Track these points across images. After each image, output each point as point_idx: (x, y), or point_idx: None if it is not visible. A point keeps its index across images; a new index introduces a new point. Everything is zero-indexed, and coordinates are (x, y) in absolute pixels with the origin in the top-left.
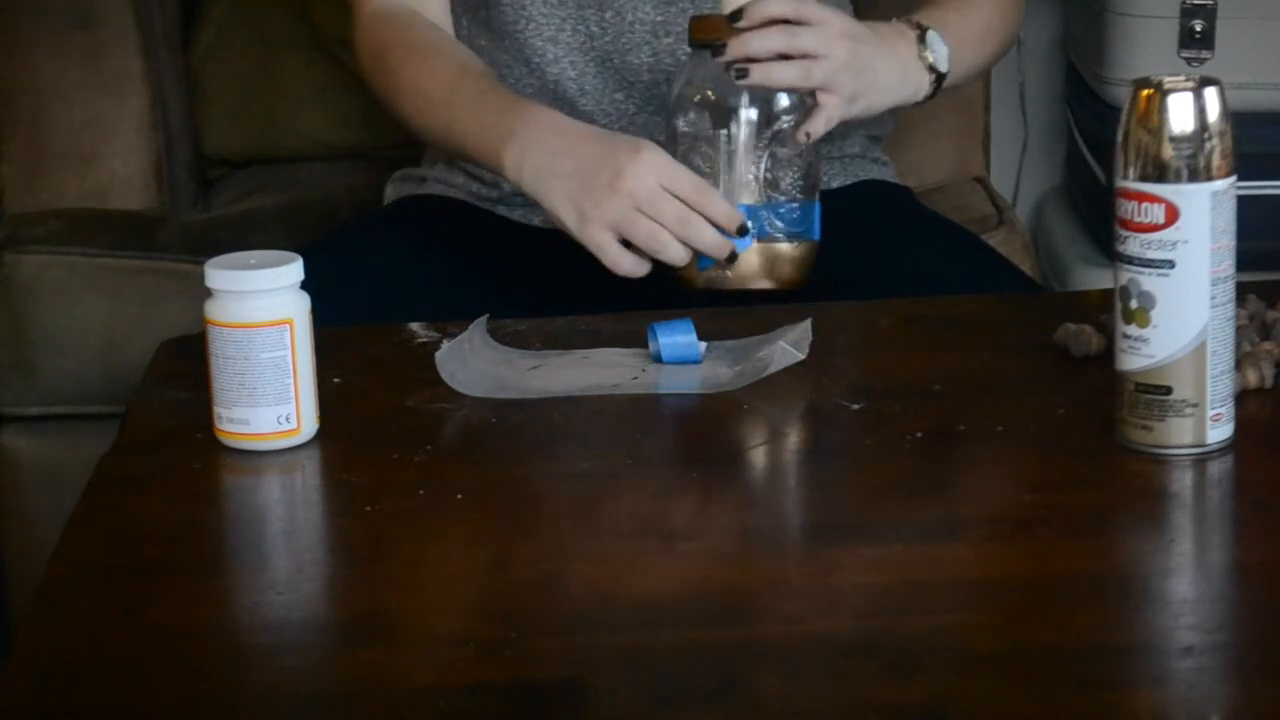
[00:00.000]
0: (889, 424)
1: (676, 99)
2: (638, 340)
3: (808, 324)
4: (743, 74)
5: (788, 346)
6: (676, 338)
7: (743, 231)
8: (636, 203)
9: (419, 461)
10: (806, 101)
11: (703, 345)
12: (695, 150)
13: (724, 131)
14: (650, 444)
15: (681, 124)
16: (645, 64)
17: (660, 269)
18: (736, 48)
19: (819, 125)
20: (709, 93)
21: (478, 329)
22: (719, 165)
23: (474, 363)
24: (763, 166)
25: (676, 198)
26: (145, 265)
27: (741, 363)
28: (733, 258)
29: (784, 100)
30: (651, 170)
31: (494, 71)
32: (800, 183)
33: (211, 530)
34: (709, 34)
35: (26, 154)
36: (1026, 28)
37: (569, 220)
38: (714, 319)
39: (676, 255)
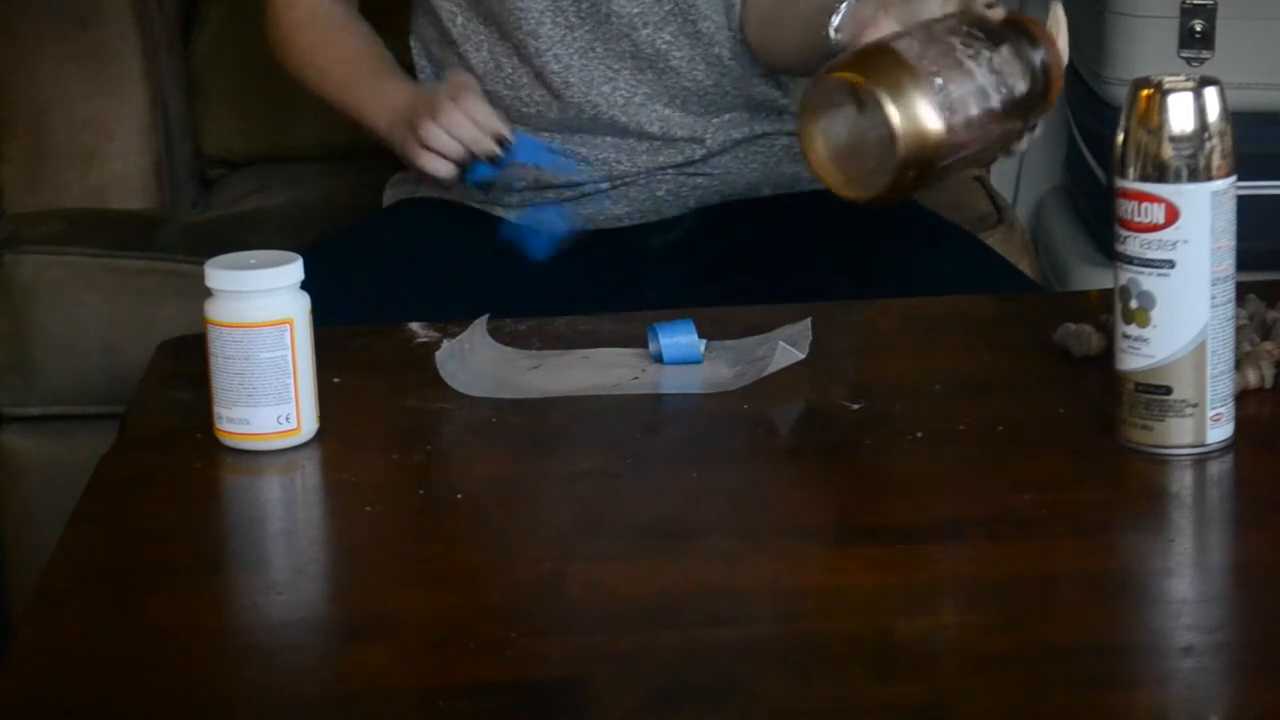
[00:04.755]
0: (889, 424)
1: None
2: (638, 340)
3: (808, 323)
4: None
5: (788, 346)
6: (677, 338)
7: (500, 142)
8: (428, 109)
9: (419, 461)
10: None
11: (703, 344)
12: None
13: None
14: (650, 444)
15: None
16: (627, 51)
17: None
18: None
19: None
20: None
21: (478, 329)
22: None
23: (474, 363)
24: None
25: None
26: (145, 265)
27: (741, 363)
28: (495, 160)
29: None
30: (449, 88)
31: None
32: None
33: (211, 530)
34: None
35: (26, 154)
36: None
37: (395, 141)
38: (714, 319)
39: (442, 141)
